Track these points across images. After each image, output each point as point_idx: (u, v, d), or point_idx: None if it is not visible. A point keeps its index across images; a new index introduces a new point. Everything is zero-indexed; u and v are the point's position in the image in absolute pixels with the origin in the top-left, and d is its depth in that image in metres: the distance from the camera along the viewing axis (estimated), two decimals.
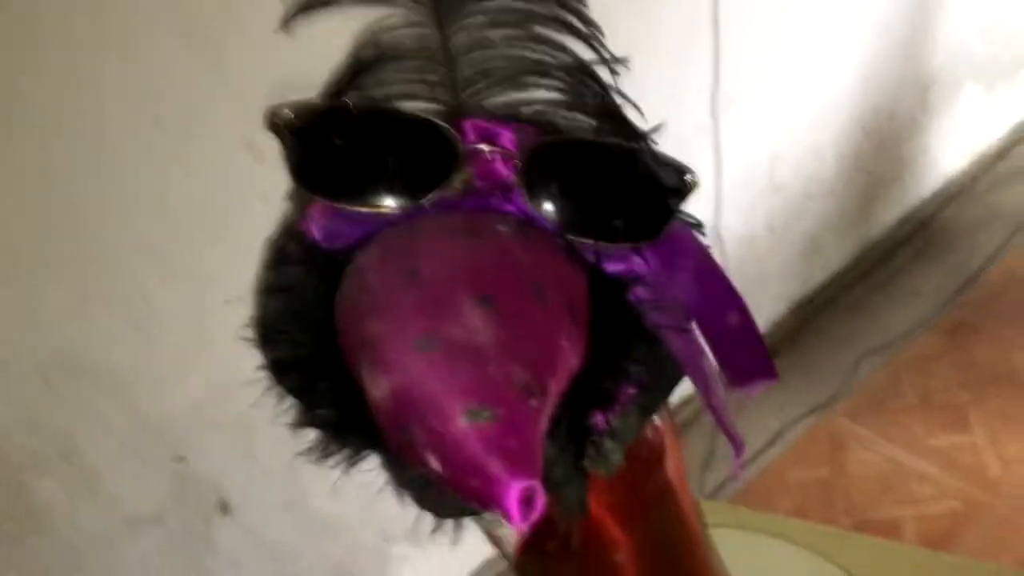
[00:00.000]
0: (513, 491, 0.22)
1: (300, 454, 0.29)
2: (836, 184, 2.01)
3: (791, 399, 1.84)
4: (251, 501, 1.25)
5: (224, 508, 1.23)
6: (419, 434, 0.23)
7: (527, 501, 0.22)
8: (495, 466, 0.22)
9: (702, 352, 0.33)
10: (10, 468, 1.02)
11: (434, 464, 0.23)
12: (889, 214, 2.24)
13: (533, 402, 0.23)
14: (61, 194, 0.95)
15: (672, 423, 0.36)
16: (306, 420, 0.29)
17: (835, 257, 2.13)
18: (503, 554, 0.35)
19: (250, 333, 0.31)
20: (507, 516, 0.22)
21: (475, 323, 0.24)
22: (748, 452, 1.74)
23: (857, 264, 2.17)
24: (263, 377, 0.30)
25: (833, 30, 1.79)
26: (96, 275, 1.01)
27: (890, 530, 1.56)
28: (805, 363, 1.95)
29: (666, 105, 1.53)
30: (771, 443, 1.76)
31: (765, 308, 2.01)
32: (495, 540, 0.35)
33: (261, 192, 1.03)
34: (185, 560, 1.22)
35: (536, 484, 0.22)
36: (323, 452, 0.29)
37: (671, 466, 0.36)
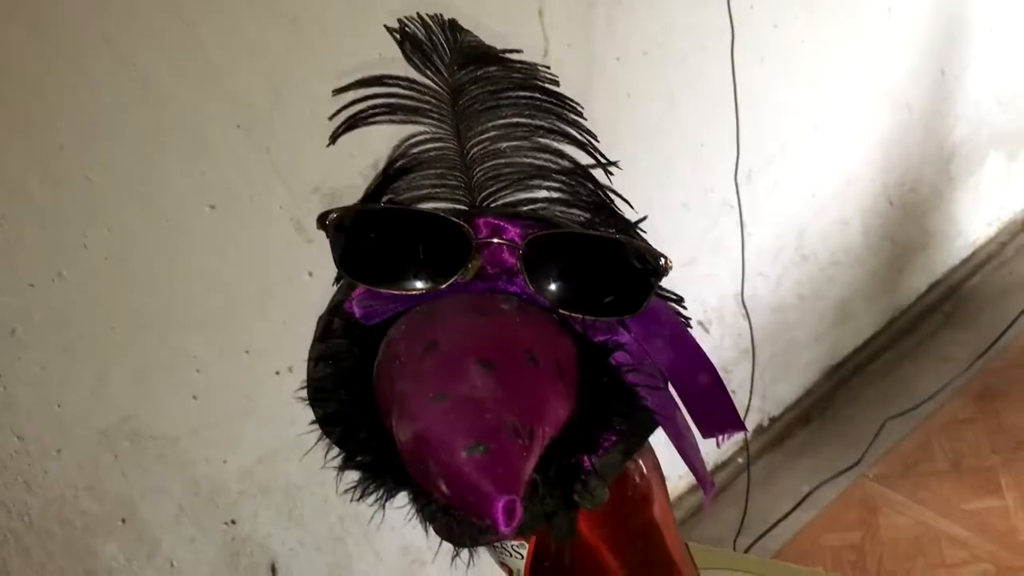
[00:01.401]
0: (499, 503, 0.29)
1: (344, 492, 0.36)
2: (864, 253, 2.05)
3: (822, 464, 1.87)
4: (298, 564, 1.30)
5: (273, 570, 1.28)
6: (432, 466, 0.30)
7: (509, 511, 0.29)
8: (485, 486, 0.30)
9: (675, 407, 0.40)
10: (75, 531, 1.07)
11: (443, 488, 0.30)
12: (917, 282, 2.27)
13: (520, 441, 0.31)
14: (124, 275, 1.02)
15: (658, 470, 0.43)
16: (349, 464, 0.36)
17: (865, 324, 2.17)
18: None
19: (303, 394, 0.38)
20: (494, 523, 0.29)
21: (477, 382, 0.32)
22: (779, 514, 1.76)
23: (886, 331, 2.20)
24: (312, 434, 0.38)
25: (853, 107, 1.85)
26: (156, 350, 1.07)
27: None
28: (836, 428, 1.98)
29: (691, 182, 1.61)
30: (801, 506, 1.78)
31: (796, 374, 2.05)
32: (507, 570, 0.41)
33: (308, 268, 1.11)
34: None
35: (516, 499, 0.29)
36: (363, 491, 0.36)
37: (657, 508, 0.42)
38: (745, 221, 1.67)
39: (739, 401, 1.83)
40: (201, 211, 1.05)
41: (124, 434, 1.08)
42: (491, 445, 0.30)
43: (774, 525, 1.74)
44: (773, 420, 2.01)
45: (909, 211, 2.12)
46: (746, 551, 1.68)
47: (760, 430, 1.99)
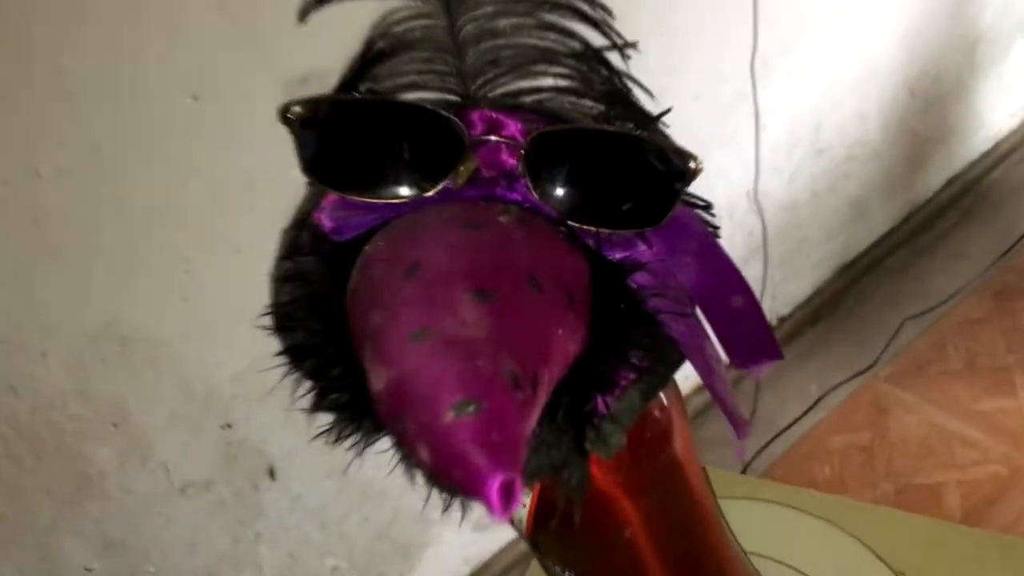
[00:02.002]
0: (493, 483, 0.23)
1: (315, 436, 0.31)
2: (881, 147, 1.98)
3: (833, 364, 1.83)
4: (296, 467, 1.28)
5: (271, 473, 1.27)
6: (411, 426, 0.24)
7: (507, 492, 0.23)
8: (477, 458, 0.23)
9: (704, 336, 0.34)
10: (65, 436, 1.05)
11: (424, 455, 0.24)
12: (935, 176, 2.20)
13: (520, 394, 0.25)
14: (105, 169, 0.97)
15: (680, 400, 0.37)
16: (321, 404, 0.30)
17: (880, 220, 2.10)
18: (517, 532, 0.37)
19: (267, 320, 0.33)
20: (488, 506, 0.23)
21: (469, 316, 0.26)
22: (789, 417, 1.74)
23: (902, 227, 2.14)
24: (282, 361, 0.32)
25: None
26: (142, 249, 1.03)
27: (932, 495, 1.56)
28: (848, 328, 1.94)
29: (704, 70, 1.53)
30: (811, 408, 1.75)
31: (807, 272, 2.00)
32: (508, 520, 0.36)
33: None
34: (234, 523, 1.25)
35: (516, 476, 0.23)
36: (338, 434, 0.31)
37: (678, 443, 0.37)
38: (760, 113, 1.60)
39: None
40: (183, 102, 1.00)
41: (112, 337, 1.05)
42: (484, 403, 0.23)
43: (784, 429, 1.71)
44: (782, 319, 1.97)
45: (931, 103, 2.03)
46: (755, 456, 1.66)
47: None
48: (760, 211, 1.71)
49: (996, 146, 2.30)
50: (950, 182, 2.23)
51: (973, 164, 2.26)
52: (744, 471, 1.57)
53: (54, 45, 0.89)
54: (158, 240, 1.04)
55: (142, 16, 0.93)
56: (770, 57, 1.59)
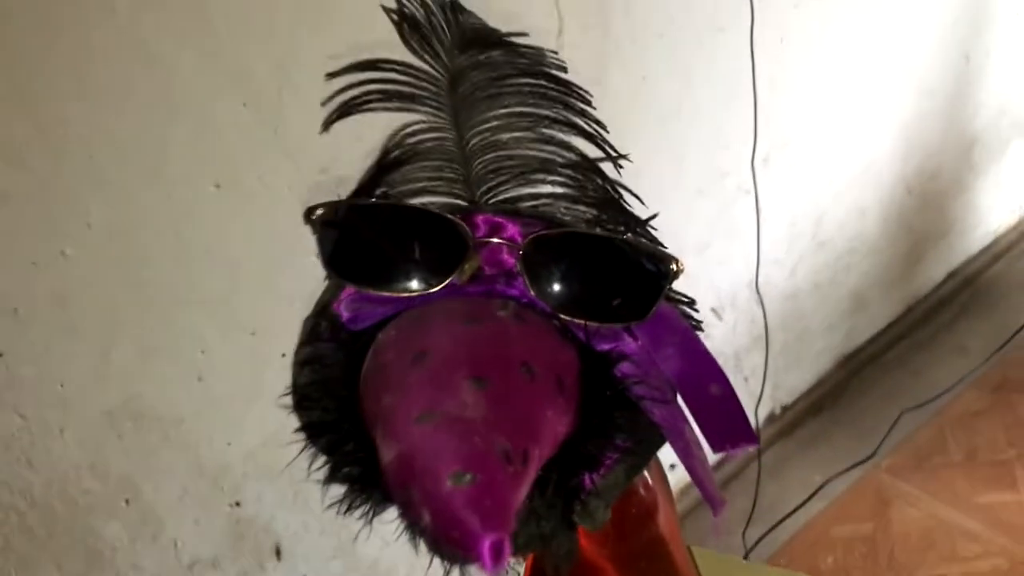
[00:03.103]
0: (485, 542, 0.27)
1: (329, 507, 0.34)
2: (881, 241, 2.02)
3: (834, 454, 1.84)
4: (303, 547, 1.29)
5: (278, 553, 1.28)
6: (415, 494, 0.28)
7: (497, 551, 0.26)
8: (471, 521, 0.27)
9: (684, 420, 0.38)
10: (78, 510, 1.07)
11: (426, 518, 0.28)
12: (935, 271, 2.24)
13: (511, 468, 0.28)
14: (129, 252, 1.00)
15: (664, 482, 0.41)
16: (334, 476, 0.34)
17: (880, 313, 2.13)
18: None
19: (287, 399, 0.36)
20: (480, 563, 0.26)
21: (468, 400, 0.30)
22: (790, 505, 1.74)
23: (902, 320, 2.17)
24: (300, 438, 0.36)
25: (874, 91, 1.82)
26: (160, 330, 1.06)
27: None
28: (849, 418, 1.96)
29: (707, 165, 1.58)
30: (813, 497, 1.75)
31: (809, 362, 2.02)
32: None
33: (315, 250, 1.09)
34: None
35: (505, 537, 0.27)
36: (349, 504, 0.34)
37: (663, 521, 0.40)
38: (761, 207, 1.64)
39: (751, 389, 1.81)
40: (206, 190, 1.03)
41: (128, 414, 1.07)
42: (478, 475, 0.27)
43: (785, 517, 1.72)
44: (785, 409, 1.99)
45: (929, 200, 2.08)
46: (756, 543, 1.66)
47: (772, 419, 1.96)
48: (761, 301, 1.74)
49: (995, 241, 2.34)
50: (949, 276, 2.26)
51: (972, 259, 2.30)
52: (746, 557, 1.57)
53: (88, 133, 0.93)
54: (177, 322, 1.07)
55: (172, 108, 0.97)
56: (771, 153, 1.64)
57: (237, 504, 1.20)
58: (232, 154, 1.03)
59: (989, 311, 2.16)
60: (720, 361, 0.38)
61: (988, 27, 1.98)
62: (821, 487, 1.76)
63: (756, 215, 1.64)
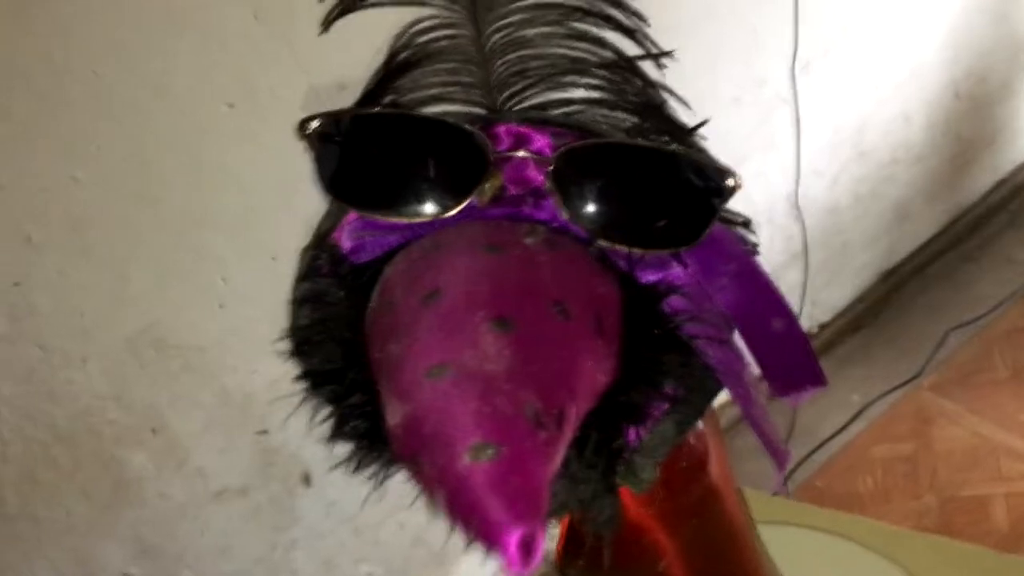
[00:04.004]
0: (512, 537, 0.21)
1: (334, 467, 0.30)
2: (925, 150, 1.94)
3: (875, 373, 1.79)
4: (332, 473, 1.28)
5: (306, 480, 1.27)
6: (426, 467, 0.23)
7: (526, 547, 0.21)
8: (495, 508, 0.22)
9: (742, 362, 0.33)
10: (103, 441, 1.06)
11: (439, 499, 0.22)
12: (981, 180, 2.15)
13: (543, 434, 0.23)
14: (142, 175, 0.97)
15: (716, 424, 0.36)
16: (339, 432, 0.29)
17: (924, 225, 2.06)
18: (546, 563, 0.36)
19: (285, 344, 0.31)
20: (506, 561, 0.21)
21: (489, 349, 0.24)
22: (829, 428, 1.70)
23: (947, 232, 2.09)
24: (300, 387, 0.31)
25: None
26: (178, 253, 1.04)
27: (978, 508, 1.52)
28: (891, 336, 1.90)
29: (743, 73, 1.51)
30: (854, 419, 1.71)
31: (849, 278, 1.96)
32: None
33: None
34: (270, 530, 1.26)
35: (537, 527, 0.21)
36: (357, 463, 0.29)
37: (715, 470, 0.35)
38: (801, 116, 1.57)
39: None
40: (218, 109, 1.00)
41: (150, 342, 1.06)
42: (503, 447, 0.22)
43: (825, 441, 1.68)
44: (823, 326, 1.94)
45: (977, 104, 1.99)
46: (796, 467, 1.62)
47: (809, 337, 1.92)
48: (800, 216, 1.69)
49: None
50: (997, 185, 2.18)
51: (1021, 167, 2.21)
52: (785, 482, 1.54)
53: (91, 52, 0.89)
54: (195, 246, 1.05)
55: (179, 24, 0.93)
56: (811, 59, 1.57)
57: (264, 432, 1.19)
58: (243, 69, 1.00)
59: None
60: None
61: None
62: (862, 410, 1.72)
63: (796, 125, 1.57)
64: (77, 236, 0.96)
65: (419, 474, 0.23)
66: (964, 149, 2.04)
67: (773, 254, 1.73)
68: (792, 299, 1.76)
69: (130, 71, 0.92)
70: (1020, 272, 1.93)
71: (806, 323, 1.89)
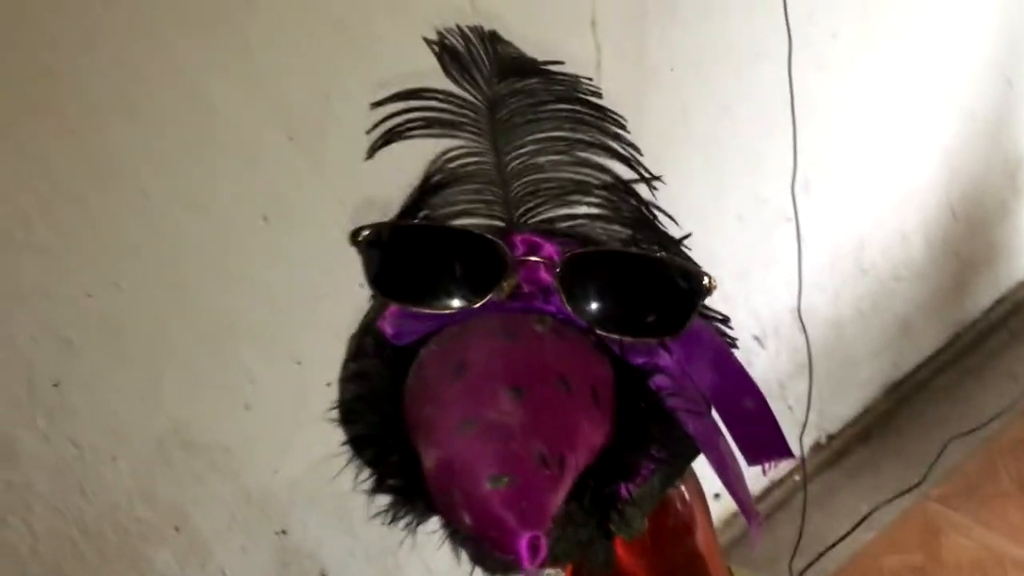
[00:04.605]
0: (523, 540, 0.28)
1: (375, 516, 0.35)
2: (926, 267, 2.00)
3: (882, 483, 1.82)
4: (349, 574, 1.30)
5: None
6: (456, 496, 0.29)
7: (533, 548, 0.28)
8: (509, 520, 0.28)
9: (718, 433, 0.39)
10: (130, 538, 1.09)
11: (467, 519, 0.29)
12: (982, 297, 2.21)
13: (547, 472, 0.30)
14: (177, 286, 1.03)
15: (702, 499, 0.41)
16: (379, 488, 0.35)
17: (927, 340, 2.11)
18: None
19: (334, 414, 0.38)
20: (518, 560, 0.27)
21: (506, 408, 0.31)
22: (837, 535, 1.72)
23: (950, 347, 2.14)
24: (346, 451, 0.37)
25: (915, 117, 1.81)
26: (209, 360, 1.08)
27: None
28: (897, 447, 1.93)
29: (747, 192, 1.58)
30: (860, 527, 1.73)
31: (855, 391, 2.00)
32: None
33: (359, 279, 1.10)
34: None
35: (541, 535, 0.28)
36: (394, 515, 0.35)
37: (700, 537, 0.41)
38: (802, 233, 1.64)
39: (796, 418, 1.80)
40: (254, 223, 1.06)
41: (178, 442, 1.09)
42: (516, 477, 0.29)
43: (832, 546, 1.70)
44: (831, 438, 1.97)
45: (973, 224, 2.06)
46: (802, 573, 1.64)
47: (817, 447, 1.94)
48: (804, 328, 1.73)
49: None
50: (997, 302, 2.23)
51: (1021, 285, 2.27)
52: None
53: (140, 172, 0.96)
54: (225, 351, 1.09)
55: (220, 143, 1.00)
56: (811, 179, 1.64)
57: (283, 532, 1.21)
58: (278, 187, 1.05)
59: None
60: (764, 389, 0.39)
61: None
62: (867, 516, 1.74)
63: (797, 241, 1.63)
64: (115, 340, 1.00)
65: (450, 504, 0.30)
66: (963, 267, 2.10)
67: (779, 364, 1.77)
68: (799, 409, 1.79)
69: (173, 189, 0.98)
70: (1021, 387, 1.97)
71: (814, 434, 1.92)
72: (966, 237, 2.05)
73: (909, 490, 1.78)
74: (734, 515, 1.68)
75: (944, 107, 1.87)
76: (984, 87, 1.93)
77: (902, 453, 1.89)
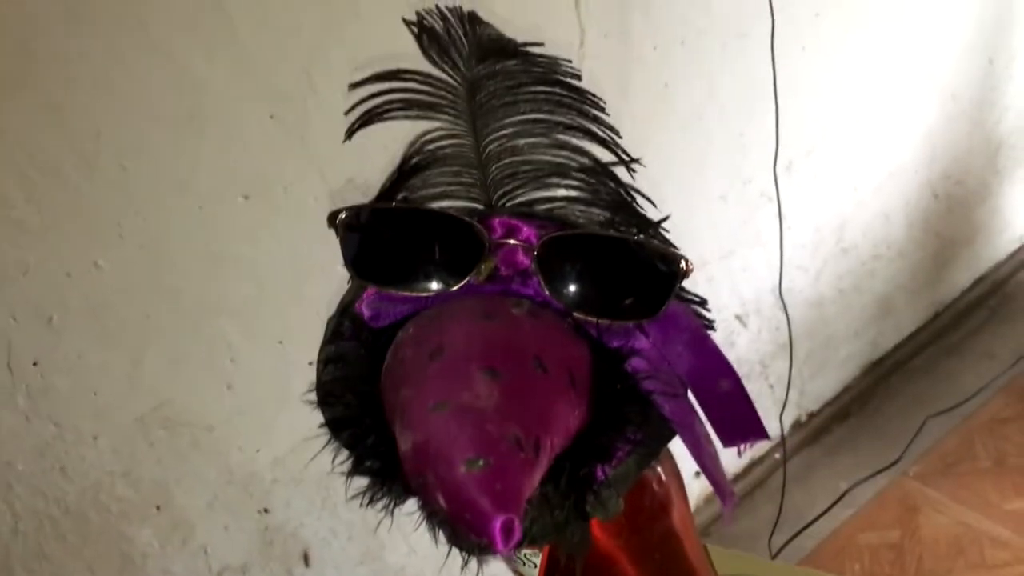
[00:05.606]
0: (496, 523, 0.28)
1: (353, 497, 0.35)
2: (907, 246, 2.01)
3: (861, 461, 1.84)
4: (331, 553, 1.30)
5: (306, 559, 1.29)
6: (431, 479, 0.29)
7: (507, 530, 0.28)
8: (483, 503, 0.28)
9: (694, 415, 0.39)
10: (111, 517, 1.09)
11: (441, 502, 0.29)
12: (962, 276, 2.23)
13: (522, 455, 0.30)
14: (158, 264, 1.02)
15: (678, 479, 0.42)
16: (357, 470, 0.35)
17: (906, 319, 2.13)
18: None
19: (312, 396, 0.38)
20: (492, 542, 0.28)
21: (481, 391, 0.31)
22: (816, 512, 1.74)
23: (929, 327, 2.16)
24: (325, 433, 0.37)
25: (898, 97, 1.82)
26: (190, 338, 1.08)
27: None
28: (875, 425, 1.95)
29: (729, 172, 1.59)
30: (839, 504, 1.75)
31: (835, 369, 2.02)
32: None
33: (342, 259, 1.10)
34: None
35: (515, 518, 0.28)
36: (371, 496, 0.35)
37: (675, 517, 0.41)
38: (784, 213, 1.65)
39: (776, 396, 1.81)
40: (235, 201, 1.05)
41: (159, 421, 1.09)
42: (490, 459, 0.29)
43: (810, 523, 1.72)
44: (811, 416, 1.99)
45: (954, 204, 2.07)
46: (781, 549, 1.66)
47: (797, 426, 1.96)
48: (785, 308, 1.74)
49: (1022, 247, 2.33)
50: (976, 282, 2.25)
51: (999, 265, 2.29)
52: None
53: (120, 148, 0.95)
54: (206, 330, 1.09)
55: (201, 120, 0.99)
56: (793, 159, 1.65)
57: (266, 511, 1.22)
58: (260, 165, 1.05)
59: (1017, 316, 2.15)
60: (745, 368, 0.39)
61: (1012, 30, 1.97)
62: (846, 493, 1.76)
63: (779, 222, 1.64)
64: (95, 319, 1.00)
65: (424, 486, 0.30)
66: (944, 247, 2.12)
67: (761, 343, 1.78)
68: (780, 388, 1.81)
69: (155, 166, 0.98)
70: (999, 365, 1.99)
71: (794, 412, 1.94)
72: (947, 217, 2.07)
73: (887, 468, 1.80)
74: (715, 493, 1.69)
75: (926, 88, 1.87)
76: (966, 68, 1.93)
77: (881, 431, 1.91)
